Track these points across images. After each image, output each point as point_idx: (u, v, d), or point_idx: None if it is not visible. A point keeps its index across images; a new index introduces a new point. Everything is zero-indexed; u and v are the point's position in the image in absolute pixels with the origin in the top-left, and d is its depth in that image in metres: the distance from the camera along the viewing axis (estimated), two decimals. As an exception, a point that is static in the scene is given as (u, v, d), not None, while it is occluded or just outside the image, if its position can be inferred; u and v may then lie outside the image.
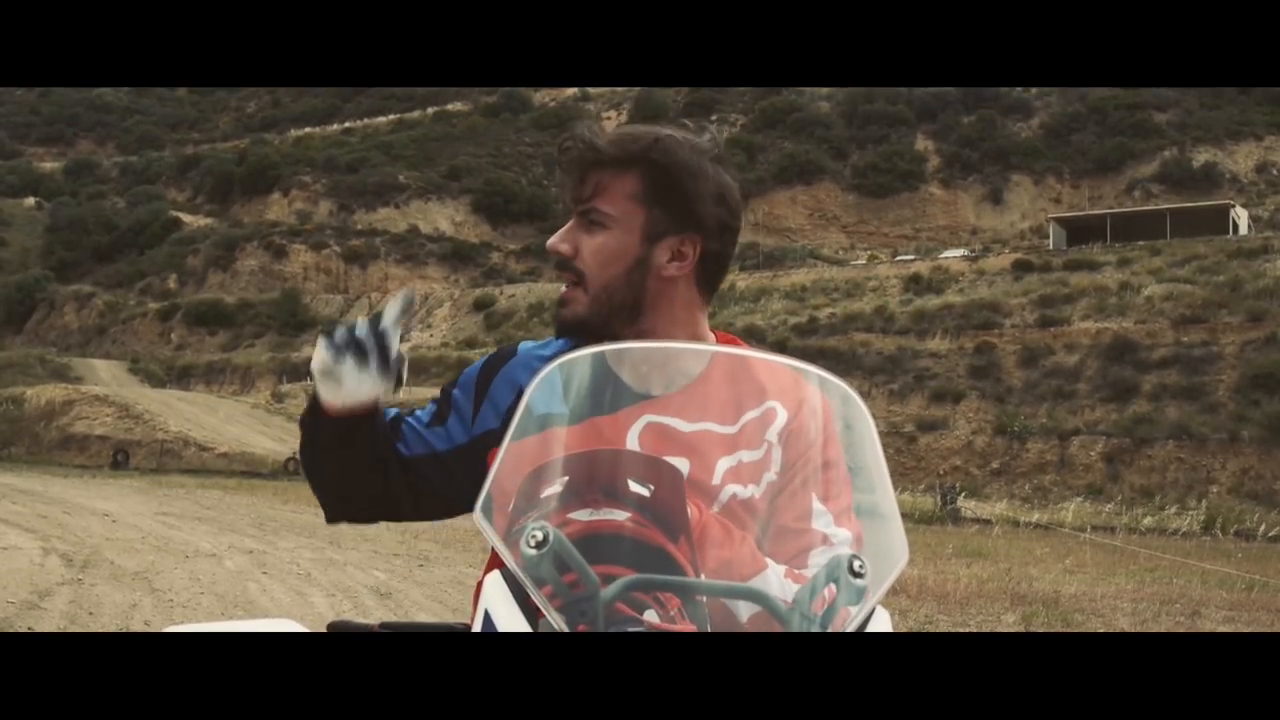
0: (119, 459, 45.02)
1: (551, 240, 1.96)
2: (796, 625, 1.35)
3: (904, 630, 11.47)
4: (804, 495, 1.63)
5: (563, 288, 1.97)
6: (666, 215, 1.91)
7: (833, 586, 1.39)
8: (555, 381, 1.65)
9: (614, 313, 1.91)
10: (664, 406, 1.76)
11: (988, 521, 29.30)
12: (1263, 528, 28.54)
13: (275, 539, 18.45)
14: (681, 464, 1.65)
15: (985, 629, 12.05)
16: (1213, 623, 13.21)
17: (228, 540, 17.71)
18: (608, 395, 1.73)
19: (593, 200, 1.90)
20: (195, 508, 24.82)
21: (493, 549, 1.47)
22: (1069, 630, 12.24)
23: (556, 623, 1.31)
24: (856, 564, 1.38)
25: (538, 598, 1.34)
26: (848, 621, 1.38)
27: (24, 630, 9.53)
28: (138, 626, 10.09)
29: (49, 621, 10.01)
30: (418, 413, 2.04)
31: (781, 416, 1.75)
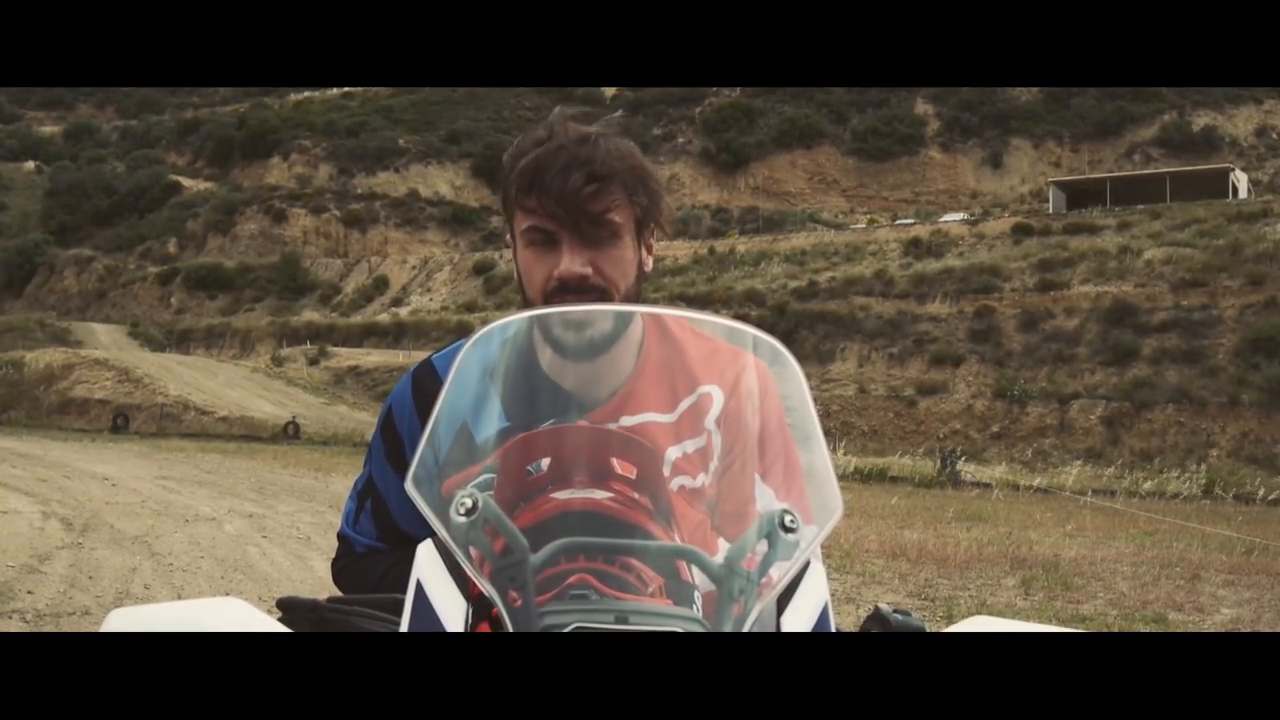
0: (119, 423, 45.10)
1: (567, 266, 1.84)
2: (730, 583, 1.33)
3: (904, 594, 11.50)
4: (745, 478, 1.60)
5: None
6: (646, 216, 1.92)
7: (765, 542, 1.37)
8: (490, 355, 1.61)
9: None
10: (612, 411, 1.70)
11: (988, 485, 29.38)
12: (1262, 491, 28.69)
13: (275, 503, 18.49)
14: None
15: (985, 592, 12.09)
16: (1212, 585, 13.25)
17: (227, 504, 17.75)
18: (550, 406, 1.66)
19: (605, 212, 1.85)
20: (195, 472, 24.88)
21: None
22: (1068, 593, 12.30)
23: (486, 589, 1.31)
24: (788, 519, 1.36)
25: (467, 565, 1.33)
26: (780, 576, 1.35)
27: (24, 592, 9.58)
28: (138, 590, 10.12)
29: (49, 585, 10.03)
30: (359, 536, 2.01)
31: (718, 401, 1.70)
